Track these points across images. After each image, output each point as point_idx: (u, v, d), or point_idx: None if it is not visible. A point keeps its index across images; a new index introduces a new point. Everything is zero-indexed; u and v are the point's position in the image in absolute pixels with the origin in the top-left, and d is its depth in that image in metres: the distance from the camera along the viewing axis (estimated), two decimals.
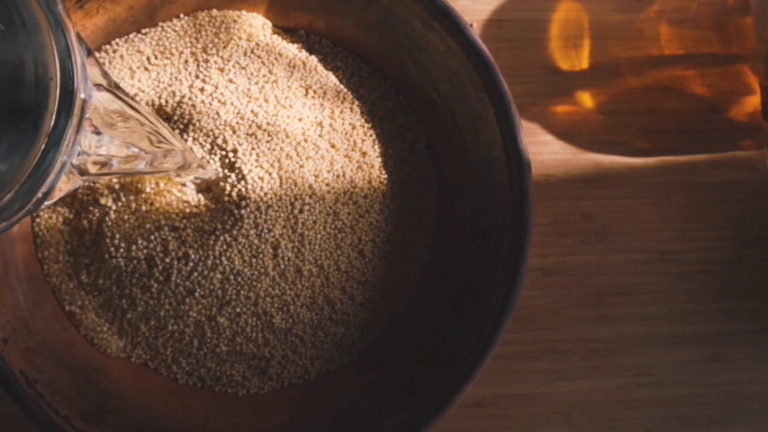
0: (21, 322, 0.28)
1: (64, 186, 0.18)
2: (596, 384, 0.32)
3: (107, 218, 0.29)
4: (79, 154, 0.18)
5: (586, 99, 0.34)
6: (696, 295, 0.33)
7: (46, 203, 0.17)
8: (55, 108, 0.16)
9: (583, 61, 0.34)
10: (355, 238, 0.30)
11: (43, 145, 0.16)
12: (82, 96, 0.17)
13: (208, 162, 0.29)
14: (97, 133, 0.19)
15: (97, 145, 0.20)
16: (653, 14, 0.34)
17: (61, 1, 0.16)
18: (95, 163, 0.20)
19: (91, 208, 0.29)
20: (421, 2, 0.29)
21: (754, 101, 0.34)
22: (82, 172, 0.19)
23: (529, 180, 0.28)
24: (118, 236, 0.28)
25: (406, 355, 0.31)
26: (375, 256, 0.31)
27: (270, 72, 0.30)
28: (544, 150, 0.33)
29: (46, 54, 0.16)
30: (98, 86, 0.19)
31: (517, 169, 0.28)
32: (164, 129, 0.24)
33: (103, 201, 0.29)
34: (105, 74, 0.20)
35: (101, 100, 0.19)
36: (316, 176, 0.29)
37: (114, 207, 0.29)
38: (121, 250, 0.28)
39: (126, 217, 0.29)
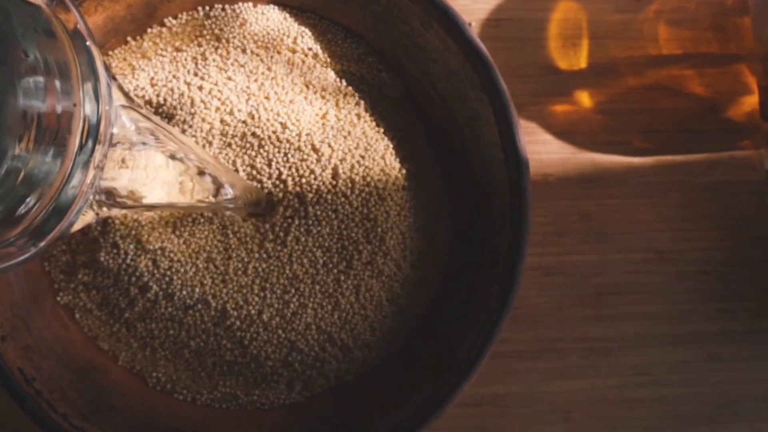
0: (19, 320, 0.28)
1: (88, 216, 0.19)
2: (595, 383, 0.32)
3: (110, 218, 0.29)
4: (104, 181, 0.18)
5: (585, 98, 0.34)
6: (694, 294, 0.33)
7: (74, 228, 0.18)
8: (79, 132, 0.16)
9: (582, 61, 0.34)
10: (386, 245, 0.29)
11: (70, 168, 0.16)
12: (110, 126, 0.17)
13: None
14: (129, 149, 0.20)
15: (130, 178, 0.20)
16: (652, 14, 0.34)
17: (86, 26, 0.17)
18: (126, 195, 0.20)
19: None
20: (420, 2, 0.29)
21: (752, 101, 0.34)
22: (112, 201, 0.20)
23: (528, 179, 0.28)
24: (119, 236, 0.28)
25: (405, 354, 0.31)
26: (406, 264, 0.30)
27: (269, 69, 0.30)
28: (543, 149, 0.33)
29: (71, 79, 0.16)
30: (122, 107, 0.19)
31: (515, 169, 0.28)
32: (207, 157, 0.24)
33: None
34: (128, 97, 0.20)
35: (126, 121, 0.19)
36: (333, 175, 0.29)
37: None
38: (121, 250, 0.28)
39: (131, 215, 0.29)
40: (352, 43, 0.32)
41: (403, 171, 0.30)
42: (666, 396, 0.33)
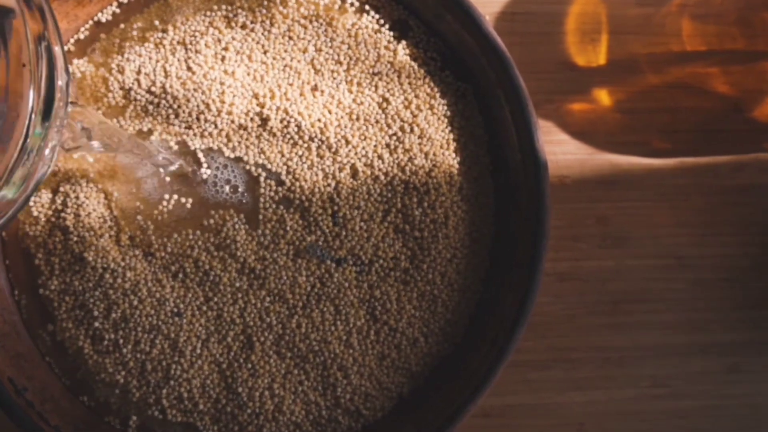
0: (10, 326, 0.27)
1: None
2: (610, 395, 0.31)
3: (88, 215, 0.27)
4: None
5: (604, 96, 0.33)
6: (715, 303, 0.32)
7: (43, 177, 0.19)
8: (31, 99, 0.17)
9: (601, 57, 0.33)
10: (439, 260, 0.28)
11: (12, 161, 0.17)
12: (61, 85, 0.18)
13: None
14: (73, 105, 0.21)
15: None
16: (674, 8, 0.33)
17: (56, 27, 0.18)
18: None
19: (70, 206, 0.28)
20: None
21: None
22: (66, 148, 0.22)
23: (546, 182, 0.26)
24: (96, 246, 0.27)
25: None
26: (460, 279, 0.29)
27: (273, 52, 0.28)
28: (559, 150, 0.32)
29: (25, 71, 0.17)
30: (72, 103, 0.20)
31: (533, 171, 0.27)
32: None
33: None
34: (76, 102, 0.22)
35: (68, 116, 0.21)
36: (352, 174, 0.28)
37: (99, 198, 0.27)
38: (100, 255, 0.27)
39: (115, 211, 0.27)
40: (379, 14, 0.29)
41: (452, 160, 0.28)
42: (684, 408, 0.32)
